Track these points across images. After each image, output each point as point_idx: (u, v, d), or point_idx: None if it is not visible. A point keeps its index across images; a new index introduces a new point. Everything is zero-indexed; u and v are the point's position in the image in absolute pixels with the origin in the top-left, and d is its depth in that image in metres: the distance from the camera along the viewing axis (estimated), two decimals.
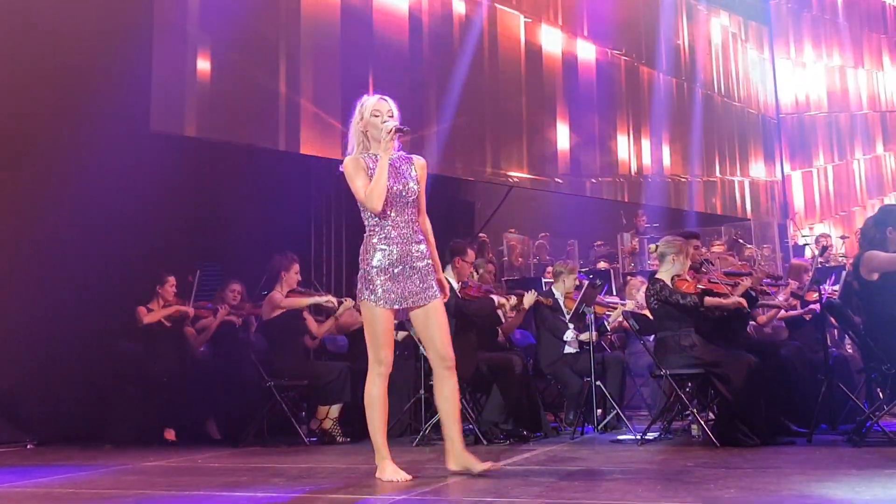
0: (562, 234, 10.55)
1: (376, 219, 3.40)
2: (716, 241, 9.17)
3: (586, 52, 11.76)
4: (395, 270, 3.36)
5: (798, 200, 14.29)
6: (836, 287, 5.45)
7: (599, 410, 5.63)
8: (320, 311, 6.11)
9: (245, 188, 7.29)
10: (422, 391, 5.28)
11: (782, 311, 6.01)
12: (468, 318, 5.20)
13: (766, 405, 4.60)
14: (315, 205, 8.39)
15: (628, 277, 7.81)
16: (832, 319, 5.47)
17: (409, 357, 5.64)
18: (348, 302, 5.83)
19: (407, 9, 9.21)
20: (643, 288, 6.67)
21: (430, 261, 3.45)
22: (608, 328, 6.17)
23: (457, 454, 3.41)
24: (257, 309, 5.95)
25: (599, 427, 5.51)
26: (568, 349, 5.82)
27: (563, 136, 11.11)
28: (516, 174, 10.31)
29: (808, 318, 5.77)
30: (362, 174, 3.40)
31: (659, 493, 2.94)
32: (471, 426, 5.05)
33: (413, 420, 5.52)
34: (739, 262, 6.93)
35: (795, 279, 6.02)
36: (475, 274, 5.96)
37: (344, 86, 8.24)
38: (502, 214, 10.45)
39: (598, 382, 5.45)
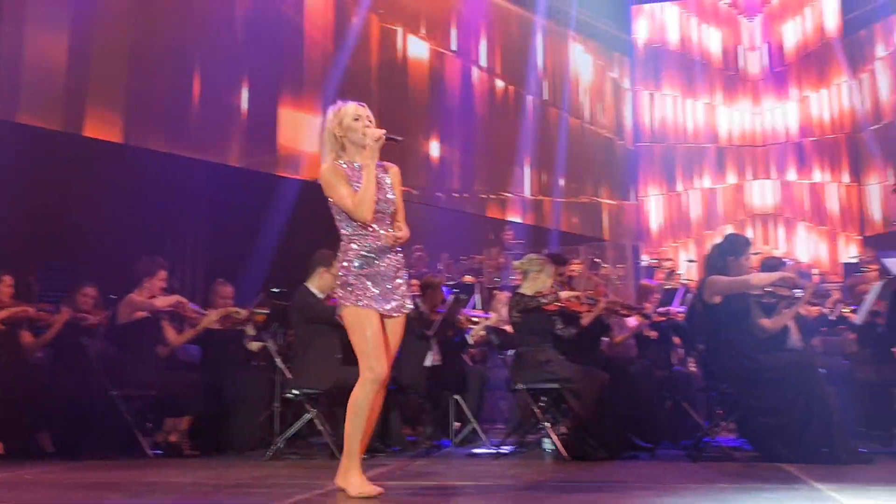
0: (430, 248, 10.61)
1: (356, 228, 3.25)
2: (575, 261, 9.46)
3: (457, 68, 11.96)
4: (378, 279, 3.24)
5: (651, 224, 15.06)
6: (682, 309, 5.75)
7: (458, 424, 5.66)
8: (175, 318, 5.83)
9: (96, 185, 6.88)
10: (276, 404, 5.12)
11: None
12: (332, 325, 5.10)
13: (614, 420, 4.78)
14: (174, 206, 8.03)
15: (494, 292, 7.93)
16: (677, 339, 5.77)
17: (264, 368, 5.48)
18: (213, 315, 5.59)
19: (278, 8, 9.10)
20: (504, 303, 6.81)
21: (405, 271, 3.35)
22: (470, 342, 6.23)
23: (343, 471, 3.26)
24: (105, 319, 5.61)
25: (456, 441, 5.53)
26: (428, 362, 5.82)
27: (435, 151, 11.23)
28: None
29: (655, 338, 6.05)
30: (344, 182, 3.24)
31: None
32: (325, 440, 4.95)
33: (266, 433, 5.34)
34: (599, 280, 7.20)
35: (643, 300, 6.31)
36: None
37: (207, 84, 7.98)
38: None
39: (457, 396, 5.49)
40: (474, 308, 6.90)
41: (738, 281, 4.63)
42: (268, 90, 8.99)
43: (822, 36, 15.14)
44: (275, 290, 5.69)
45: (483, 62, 12.40)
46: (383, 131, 3.27)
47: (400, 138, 3.35)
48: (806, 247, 14.77)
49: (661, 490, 3.37)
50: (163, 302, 5.44)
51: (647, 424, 5.31)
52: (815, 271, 12.28)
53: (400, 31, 11.14)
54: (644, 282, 7.21)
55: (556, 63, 13.84)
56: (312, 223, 9.64)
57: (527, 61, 13.10)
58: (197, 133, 7.99)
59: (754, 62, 15.64)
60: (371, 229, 3.24)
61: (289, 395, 5.05)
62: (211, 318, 5.56)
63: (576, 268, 8.55)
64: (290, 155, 9.33)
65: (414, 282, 7.65)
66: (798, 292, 4.83)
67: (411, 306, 3.34)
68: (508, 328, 5.46)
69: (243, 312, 5.65)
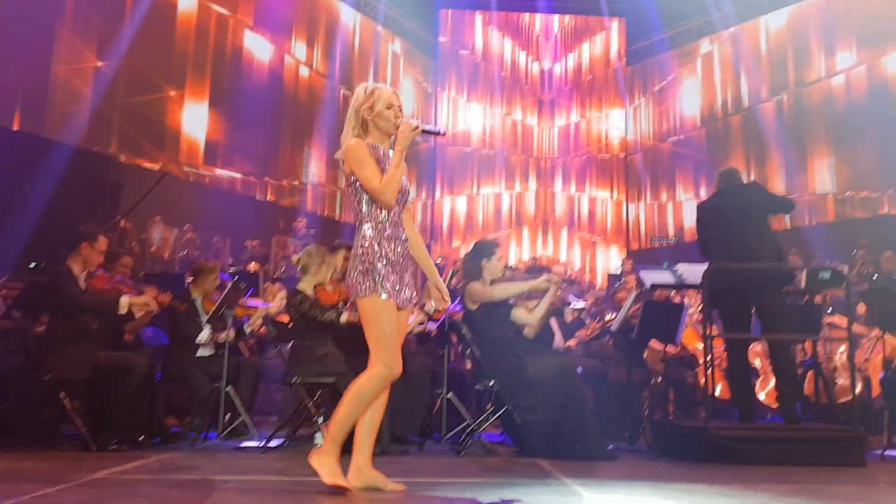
0: (210, 231, 10.19)
1: (377, 211, 3.20)
2: None
3: (257, 45, 11.60)
4: (394, 265, 3.17)
5: (443, 223, 15.51)
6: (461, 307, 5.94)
7: (228, 416, 5.47)
8: None
9: None
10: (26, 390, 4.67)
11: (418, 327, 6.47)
12: (85, 312, 4.71)
13: (388, 415, 4.83)
14: None
15: (266, 284, 7.74)
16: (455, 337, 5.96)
17: (14, 350, 4.98)
18: None
19: None
20: (280, 294, 6.68)
21: (410, 261, 3.29)
22: (247, 332, 6.06)
23: (364, 471, 3.17)
24: None
25: (223, 433, 5.34)
26: (202, 352, 5.59)
27: (224, 129, 10.80)
28: (169, 161, 9.77)
29: (433, 335, 6.21)
30: (373, 162, 3.20)
31: (268, 503, 2.90)
32: (78, 431, 4.59)
33: (9, 422, 4.84)
34: None
35: (429, 297, 6.44)
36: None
37: None
38: (151, 202, 9.81)
39: (229, 387, 5.31)
40: (255, 297, 6.70)
41: (485, 293, 4.94)
42: (37, 47, 8.21)
43: (608, 63, 16.35)
44: (32, 264, 5.20)
45: (283, 40, 12.11)
46: (420, 122, 3.23)
47: (441, 131, 3.37)
48: (579, 255, 15.88)
49: (424, 484, 3.44)
50: None
51: (419, 419, 5.44)
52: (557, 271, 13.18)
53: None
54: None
55: (362, 55, 13.83)
56: (89, 196, 8.98)
57: (332, 49, 12.99)
58: None
59: (547, 79, 16.56)
60: (393, 213, 3.22)
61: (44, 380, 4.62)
62: None
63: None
64: (62, 117, 8.60)
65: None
66: (575, 301, 5.21)
67: (414, 300, 3.28)
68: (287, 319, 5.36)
69: None
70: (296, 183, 12.18)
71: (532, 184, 16.12)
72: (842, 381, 6.40)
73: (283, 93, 11.97)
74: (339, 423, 3.10)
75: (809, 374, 6.04)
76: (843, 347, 6.29)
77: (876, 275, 7.84)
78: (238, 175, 11.22)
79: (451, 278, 6.36)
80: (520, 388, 4.74)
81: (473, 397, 5.90)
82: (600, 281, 14.22)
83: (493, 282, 5.07)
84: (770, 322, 5.08)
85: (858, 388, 6.44)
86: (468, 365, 6.81)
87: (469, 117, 15.98)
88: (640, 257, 13.51)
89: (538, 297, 5.43)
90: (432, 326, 6.27)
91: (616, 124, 16.25)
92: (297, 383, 4.84)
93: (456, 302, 6.31)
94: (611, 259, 15.59)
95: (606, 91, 16.40)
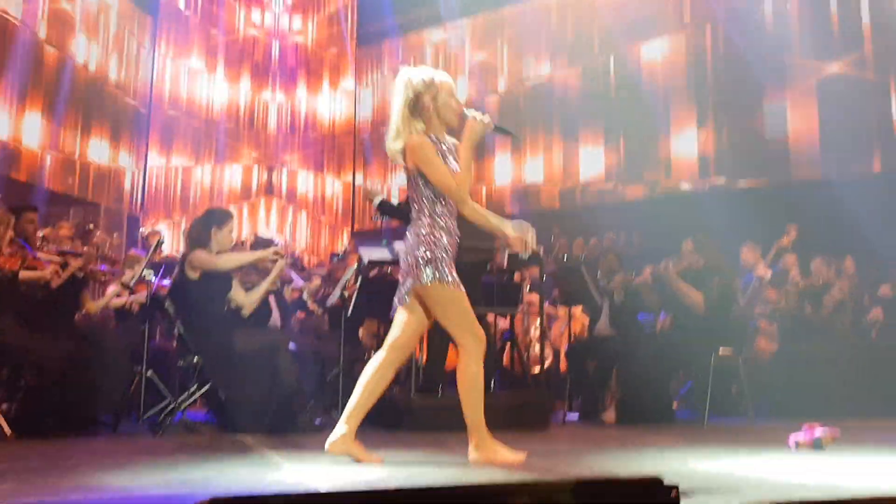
0: None
1: (441, 205, 3.25)
2: (64, 223, 8.65)
3: None
4: (449, 257, 3.25)
5: (154, 193, 14.51)
6: (167, 281, 5.64)
7: None
8: None
9: None
10: None
11: (115, 300, 6.03)
12: None
13: (77, 393, 4.46)
14: None
15: None
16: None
17: None
18: None
19: None
20: None
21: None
22: None
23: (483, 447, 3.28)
24: None
25: None
26: None
27: None
28: None
29: (136, 310, 5.84)
30: (441, 160, 3.22)
31: None
32: None
33: None
34: (84, 248, 6.67)
35: (130, 270, 6.03)
36: None
37: None
38: None
39: None
40: None
41: (211, 261, 4.75)
42: None
43: (340, 41, 16.42)
44: None
45: None
46: (490, 118, 3.26)
47: (514, 133, 3.47)
48: (305, 235, 15.85)
49: (113, 466, 3.22)
50: None
51: (115, 398, 5.06)
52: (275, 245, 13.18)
53: None
54: (133, 252, 6.91)
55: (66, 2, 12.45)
56: None
57: None
58: None
59: (276, 51, 16.23)
60: (450, 205, 3.27)
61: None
62: None
63: (64, 232, 7.86)
64: None
65: None
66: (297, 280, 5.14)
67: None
68: None
69: None
70: None
71: (253, 157, 15.66)
72: (536, 352, 7.03)
73: None
74: (473, 412, 3.24)
75: (507, 345, 6.56)
76: (538, 322, 6.89)
77: (565, 255, 8.69)
78: None
79: (154, 251, 5.94)
80: (226, 364, 4.60)
81: (178, 376, 5.61)
82: (325, 260, 14.26)
83: (219, 253, 4.84)
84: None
85: (549, 360, 7.14)
86: (174, 343, 6.49)
87: (191, 83, 15.13)
88: (365, 236, 13.76)
89: (261, 274, 5.32)
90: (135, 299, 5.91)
91: (346, 104, 16.34)
92: None
93: (160, 275, 5.97)
94: (337, 239, 15.70)
95: (337, 70, 16.42)
